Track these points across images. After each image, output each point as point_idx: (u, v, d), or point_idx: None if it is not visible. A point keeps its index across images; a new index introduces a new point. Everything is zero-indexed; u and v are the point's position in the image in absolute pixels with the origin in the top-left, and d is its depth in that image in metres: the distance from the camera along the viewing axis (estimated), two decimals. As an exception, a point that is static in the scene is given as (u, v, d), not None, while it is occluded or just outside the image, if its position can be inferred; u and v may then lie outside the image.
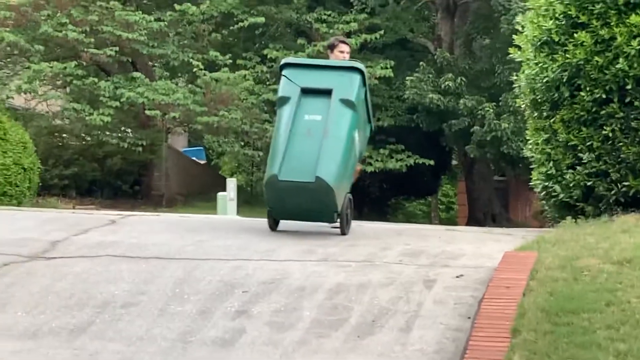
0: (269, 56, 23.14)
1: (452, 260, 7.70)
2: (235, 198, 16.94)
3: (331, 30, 23.04)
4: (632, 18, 9.39)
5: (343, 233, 9.01)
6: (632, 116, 9.48)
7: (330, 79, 9.09)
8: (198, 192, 24.98)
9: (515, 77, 10.99)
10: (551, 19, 9.91)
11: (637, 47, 9.35)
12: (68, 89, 23.01)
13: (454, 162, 30.77)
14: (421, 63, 24.24)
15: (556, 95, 9.90)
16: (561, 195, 9.89)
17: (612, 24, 9.53)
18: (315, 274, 7.23)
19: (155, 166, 23.52)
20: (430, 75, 23.81)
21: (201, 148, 31.91)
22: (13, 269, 7.38)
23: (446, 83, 23.37)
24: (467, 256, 7.92)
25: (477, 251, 8.19)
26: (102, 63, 22.37)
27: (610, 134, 9.54)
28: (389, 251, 8.10)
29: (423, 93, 23.35)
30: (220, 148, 23.88)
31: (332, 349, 5.83)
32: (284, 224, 9.22)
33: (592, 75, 9.58)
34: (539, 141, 10.23)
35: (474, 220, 25.23)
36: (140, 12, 22.20)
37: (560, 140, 9.88)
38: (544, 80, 9.93)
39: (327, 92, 9.01)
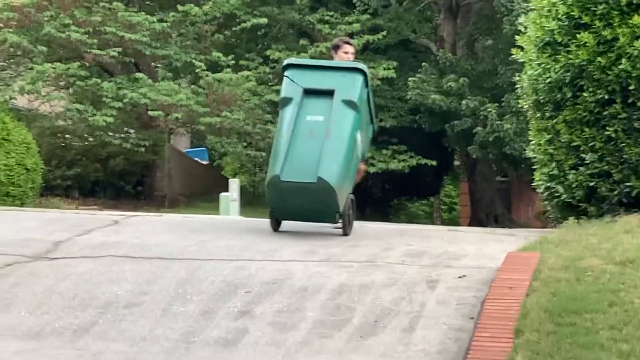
0: (271, 57, 23.15)
1: (455, 261, 7.70)
2: (237, 199, 16.94)
3: (333, 31, 23.06)
4: (635, 19, 9.39)
5: (345, 234, 9.01)
6: (634, 117, 9.48)
7: (333, 79, 9.09)
8: (200, 192, 25.00)
9: (517, 78, 10.99)
10: (554, 19, 9.91)
11: (640, 48, 9.35)
12: (71, 90, 23.02)
13: (457, 163, 30.79)
14: (424, 64, 24.26)
15: (559, 96, 9.90)
16: (564, 196, 9.89)
17: (614, 24, 9.53)
18: (318, 274, 7.23)
19: (158, 167, 23.54)
20: (433, 76, 23.83)
21: (204, 149, 31.93)
22: (16, 269, 7.39)
23: (449, 84, 23.38)
24: (470, 257, 7.92)
25: (479, 252, 8.18)
26: (105, 64, 22.40)
27: (613, 135, 9.54)
28: (392, 252, 8.10)
29: (425, 94, 23.36)
30: (222, 149, 23.87)
31: (334, 349, 5.83)
32: (286, 224, 9.22)
33: (594, 76, 9.58)
34: (542, 142, 10.23)
35: (476, 220, 25.23)
36: (143, 13, 22.23)
37: (562, 140, 9.88)
38: (547, 81, 9.93)
39: (329, 93, 9.00)
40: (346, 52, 9.98)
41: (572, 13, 9.73)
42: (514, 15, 21.17)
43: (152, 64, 23.87)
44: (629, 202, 9.51)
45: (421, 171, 24.92)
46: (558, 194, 9.96)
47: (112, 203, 21.02)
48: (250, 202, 23.40)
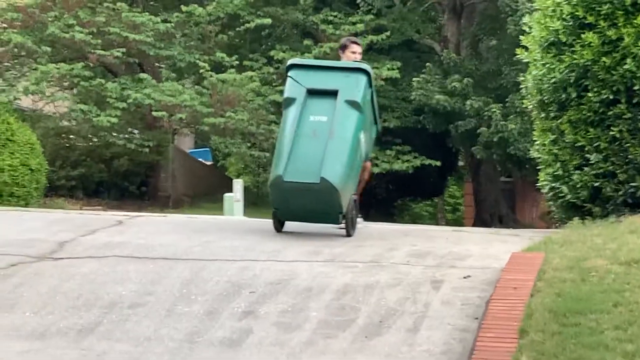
0: (275, 57, 23.15)
1: (459, 261, 7.70)
2: (241, 199, 16.92)
3: (337, 32, 23.05)
4: (640, 19, 9.39)
5: (348, 235, 8.99)
6: (639, 117, 9.46)
7: (336, 80, 9.08)
8: (204, 193, 25.00)
9: (522, 78, 10.98)
10: (558, 19, 9.90)
11: (645, 48, 9.34)
12: (75, 90, 23.04)
13: (461, 163, 30.76)
14: (428, 64, 24.24)
15: (563, 96, 9.89)
16: (568, 196, 9.87)
17: (619, 24, 9.52)
18: (322, 274, 7.23)
19: (162, 167, 23.55)
20: (437, 77, 23.81)
21: (208, 149, 31.92)
22: (21, 270, 7.40)
23: (453, 84, 23.36)
24: (474, 257, 7.91)
25: (484, 252, 8.18)
26: (109, 64, 22.41)
27: (618, 135, 9.53)
28: (396, 252, 8.10)
29: (429, 94, 23.34)
30: (226, 149, 23.84)
31: (339, 349, 5.83)
32: (290, 224, 9.22)
33: (599, 76, 9.57)
34: (546, 142, 10.22)
35: (480, 221, 25.20)
36: (147, 13, 22.24)
37: (567, 141, 9.87)
38: (551, 81, 9.93)
39: (332, 93, 8.99)
40: (353, 52, 9.99)
41: (577, 13, 9.72)
42: (518, 16, 21.13)
43: (156, 64, 23.87)
44: (633, 203, 9.50)
45: (425, 172, 24.90)
46: (562, 194, 9.95)
47: (116, 203, 21.03)
48: (254, 202, 23.38)
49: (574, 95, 9.78)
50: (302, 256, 7.89)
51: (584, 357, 5.26)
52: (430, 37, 26.97)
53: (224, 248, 8.21)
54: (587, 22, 9.69)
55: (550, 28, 9.95)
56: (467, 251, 8.18)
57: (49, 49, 21.13)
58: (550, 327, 5.64)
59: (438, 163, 24.16)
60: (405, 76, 24.09)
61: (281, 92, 9.62)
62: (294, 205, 8.89)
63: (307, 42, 23.60)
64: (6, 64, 22.19)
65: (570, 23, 9.83)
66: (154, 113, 21.28)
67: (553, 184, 10.13)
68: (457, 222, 31.64)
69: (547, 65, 9.98)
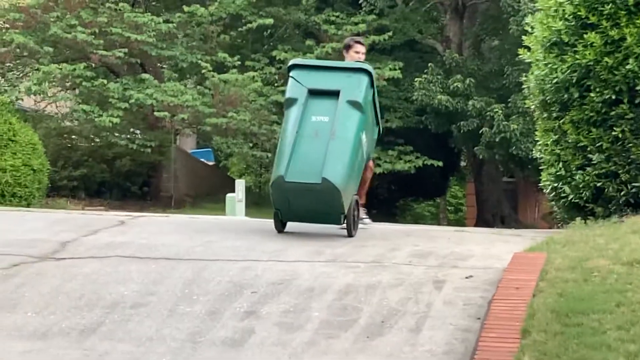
0: (277, 57, 23.16)
1: (461, 261, 7.69)
2: (243, 199, 16.93)
3: (339, 32, 23.06)
4: (642, 19, 9.38)
5: (350, 235, 8.97)
6: (642, 117, 9.47)
7: (338, 80, 9.06)
8: (206, 193, 25.01)
9: (524, 78, 10.98)
10: (561, 19, 9.89)
11: (647, 48, 9.34)
12: (77, 91, 23.06)
13: (463, 164, 30.76)
14: (430, 64, 24.23)
15: (566, 96, 9.89)
16: (571, 197, 9.87)
17: (622, 24, 9.51)
18: (324, 274, 7.23)
19: (164, 167, 23.56)
20: (439, 77, 23.79)
21: (210, 149, 31.94)
22: (23, 270, 7.40)
23: (455, 84, 23.35)
24: (477, 257, 7.91)
25: (486, 252, 8.17)
26: (111, 64, 22.42)
27: (620, 135, 9.52)
28: (398, 252, 8.09)
29: (432, 94, 23.34)
30: (228, 149, 23.87)
31: (341, 349, 5.83)
32: (292, 225, 9.21)
33: (601, 76, 9.56)
34: (549, 142, 10.21)
35: (482, 221, 25.19)
36: (149, 13, 22.26)
37: (569, 141, 9.86)
38: (554, 81, 9.92)
39: (334, 94, 8.98)
40: (357, 52, 9.99)
41: (579, 13, 9.71)
42: (520, 16, 21.14)
43: (158, 64, 23.90)
44: (636, 203, 9.49)
45: (427, 172, 24.89)
46: (565, 195, 9.94)
47: (118, 204, 21.04)
48: (256, 202, 23.39)
49: (576, 95, 9.77)
50: (304, 256, 7.88)
51: (587, 357, 5.26)
52: (433, 37, 26.95)
53: (226, 248, 8.21)
54: (589, 22, 9.68)
55: (553, 28, 9.94)
56: (469, 251, 8.17)
57: (51, 49, 21.16)
58: (553, 327, 5.63)
59: (440, 163, 24.16)
60: (408, 76, 24.09)
61: (283, 92, 9.61)
62: (295, 206, 8.88)
63: (309, 42, 23.61)
64: (8, 64, 22.23)
65: (573, 23, 9.82)
66: (156, 113, 21.30)
67: (555, 184, 10.12)
68: (459, 223, 31.65)
69: (550, 66, 9.97)
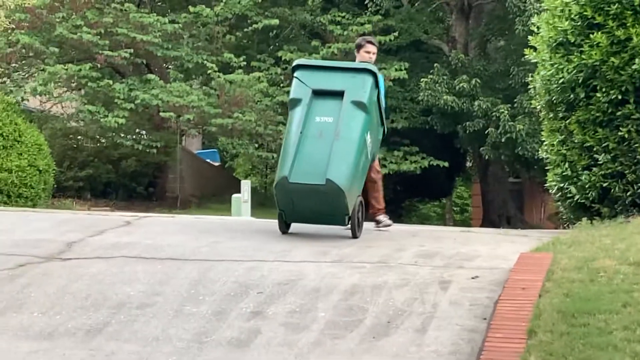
0: (283, 58, 23.14)
1: (467, 262, 7.69)
2: (249, 200, 16.92)
3: (345, 32, 23.05)
4: (648, 18, 9.37)
5: (354, 236, 8.95)
6: (648, 117, 9.45)
7: (342, 80, 9.04)
8: (212, 194, 25.01)
9: (530, 79, 10.97)
10: (567, 19, 9.89)
11: (653, 48, 9.32)
12: (83, 91, 23.08)
13: (469, 164, 30.72)
14: (435, 65, 24.21)
15: (572, 96, 9.88)
16: (577, 197, 9.86)
17: (628, 24, 9.50)
18: (330, 275, 7.23)
19: (170, 168, 23.57)
20: (445, 77, 23.77)
21: (215, 150, 31.96)
22: (29, 270, 7.41)
23: (461, 85, 23.33)
24: (482, 257, 7.90)
25: (492, 252, 8.17)
26: (116, 65, 22.44)
27: (626, 135, 9.51)
28: (404, 252, 8.09)
29: (437, 95, 23.31)
30: (234, 150, 23.85)
31: (347, 350, 5.82)
32: (298, 225, 9.20)
33: (608, 76, 9.55)
34: (555, 142, 10.20)
35: (488, 222, 25.16)
36: (155, 14, 22.27)
37: (575, 141, 9.85)
38: (560, 82, 9.91)
39: (339, 94, 8.96)
40: (368, 52, 9.99)
41: (585, 13, 9.71)
42: (526, 16, 21.11)
43: (164, 65, 23.91)
44: (642, 203, 9.48)
45: (433, 172, 24.87)
46: (571, 195, 9.93)
47: (124, 204, 21.06)
48: (261, 203, 23.39)
49: (582, 95, 9.76)
50: (309, 257, 7.88)
51: (593, 357, 5.25)
52: (438, 38, 26.93)
53: (232, 249, 8.21)
54: (595, 22, 9.67)
55: (559, 28, 9.93)
56: (475, 252, 8.17)
57: (56, 49, 21.18)
58: (559, 328, 5.62)
59: (446, 164, 24.13)
60: (413, 77, 24.08)
61: (289, 92, 9.59)
62: (299, 207, 8.85)
63: (314, 42, 23.60)
64: (14, 64, 22.24)
65: (579, 23, 9.81)
66: (161, 114, 21.31)
67: (561, 185, 10.11)
68: (465, 223, 31.63)
69: (556, 66, 9.96)
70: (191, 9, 22.33)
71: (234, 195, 17.17)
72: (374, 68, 9.25)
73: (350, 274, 7.24)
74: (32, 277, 7.21)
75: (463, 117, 23.61)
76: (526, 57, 10.91)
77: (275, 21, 23.19)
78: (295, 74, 9.20)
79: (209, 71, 21.74)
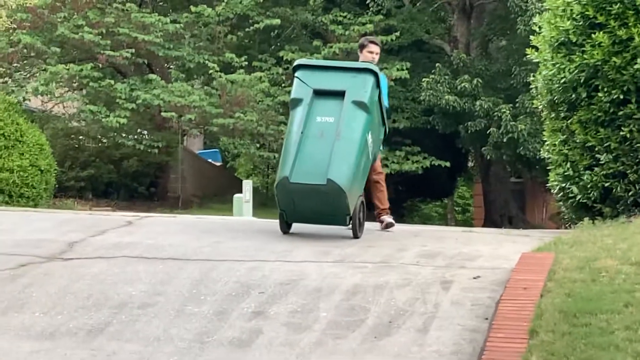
0: (284, 58, 23.14)
1: (469, 262, 7.68)
2: (250, 200, 16.93)
3: (347, 32, 23.05)
4: (650, 18, 9.36)
5: (355, 236, 8.94)
6: (650, 117, 9.45)
7: (343, 80, 9.03)
8: (214, 194, 25.01)
9: (532, 78, 10.96)
10: (568, 19, 9.88)
11: (655, 48, 9.32)
12: (84, 91, 23.09)
13: (470, 164, 30.71)
14: (437, 64, 24.19)
15: (573, 96, 9.87)
16: (578, 197, 9.85)
17: (630, 24, 9.49)
18: (332, 275, 7.22)
19: (171, 168, 23.58)
20: (447, 77, 23.76)
21: (217, 150, 31.95)
22: (30, 270, 7.41)
23: (462, 84, 23.32)
24: (484, 257, 7.90)
25: (494, 252, 8.16)
26: (118, 65, 22.45)
27: (628, 135, 9.51)
28: (406, 252, 8.09)
29: (439, 94, 23.30)
30: (235, 150, 23.84)
31: (348, 349, 5.82)
32: (299, 225, 9.20)
33: (609, 76, 9.55)
34: (556, 142, 10.19)
35: (490, 222, 25.15)
36: (156, 14, 22.27)
37: (577, 141, 9.85)
38: (561, 81, 9.90)
39: (340, 94, 8.94)
40: (371, 52, 9.99)
41: (587, 13, 9.70)
42: (528, 16, 21.10)
43: (165, 65, 23.91)
44: (644, 203, 9.48)
45: (435, 172, 24.86)
46: (573, 195, 9.93)
47: (125, 204, 21.06)
48: (263, 203, 23.39)
49: (584, 95, 9.76)
50: (311, 256, 7.88)
51: (595, 357, 5.24)
52: (440, 38, 26.92)
53: (233, 248, 8.21)
54: (597, 21, 9.67)
55: (561, 28, 9.93)
56: (477, 252, 8.16)
57: (58, 49, 21.18)
58: (561, 328, 5.62)
59: (447, 164, 24.12)
60: (415, 77, 24.07)
61: (290, 92, 9.59)
62: (300, 207, 8.84)
63: (316, 42, 23.60)
64: (16, 64, 22.24)
65: (581, 23, 9.80)
66: (163, 114, 21.31)
67: (563, 185, 10.11)
68: (467, 223, 31.63)
69: (557, 65, 9.96)
70: (193, 8, 22.34)
71: (236, 196, 17.17)
72: (375, 68, 9.23)
73: (352, 274, 7.23)
74: (33, 277, 7.21)
75: (465, 117, 23.60)
76: (528, 56, 10.90)
77: (277, 21, 23.19)
78: (296, 74, 9.19)
79: (211, 71, 21.74)
